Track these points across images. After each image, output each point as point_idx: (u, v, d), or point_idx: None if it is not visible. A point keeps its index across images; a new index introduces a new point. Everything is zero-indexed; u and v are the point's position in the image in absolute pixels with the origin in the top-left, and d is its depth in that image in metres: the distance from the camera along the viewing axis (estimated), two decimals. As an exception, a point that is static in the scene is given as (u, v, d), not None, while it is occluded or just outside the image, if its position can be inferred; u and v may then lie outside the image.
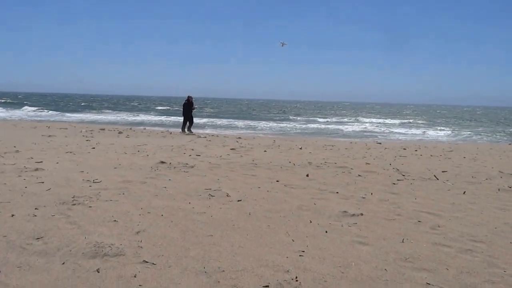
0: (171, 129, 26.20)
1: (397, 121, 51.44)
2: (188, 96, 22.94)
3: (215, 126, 33.65)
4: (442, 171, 10.30)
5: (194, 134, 21.69)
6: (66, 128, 22.16)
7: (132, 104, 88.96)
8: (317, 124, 40.64)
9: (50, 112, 49.69)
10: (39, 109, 54.80)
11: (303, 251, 4.45)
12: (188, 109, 22.73)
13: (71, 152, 11.56)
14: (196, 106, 23.99)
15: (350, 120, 50.92)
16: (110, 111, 57.18)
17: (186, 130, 22.72)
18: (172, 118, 41.43)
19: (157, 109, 68.84)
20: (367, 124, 43.28)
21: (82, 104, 79.08)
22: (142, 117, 45.16)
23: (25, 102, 71.91)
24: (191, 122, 23.10)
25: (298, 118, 51.62)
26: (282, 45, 27.46)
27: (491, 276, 3.98)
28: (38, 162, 9.57)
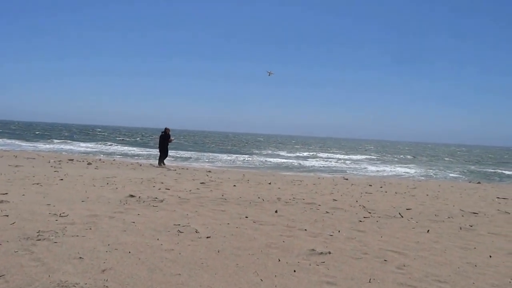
0: (141, 161, 25.98)
1: (363, 157, 52.25)
2: (165, 128, 22.41)
3: (180, 159, 32.93)
4: (407, 209, 10.51)
5: (165, 167, 21.21)
6: (34, 158, 21.72)
7: (97, 133, 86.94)
8: (283, 159, 40.53)
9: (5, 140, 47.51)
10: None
11: (271, 292, 4.46)
12: (164, 141, 22.18)
13: (38, 184, 11.34)
14: (173, 138, 23.44)
15: (317, 155, 51.30)
16: (73, 141, 54.49)
17: (162, 163, 22.02)
18: (135, 149, 41.02)
19: (120, 139, 67.61)
20: (333, 160, 43.72)
21: (37, 133, 75.58)
22: (109, 148, 44.55)
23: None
24: (165, 155, 22.58)
25: (264, 152, 51.64)
26: (269, 74, 27.41)
27: (455, 318, 4.06)
28: (3, 194, 9.36)
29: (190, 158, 34.05)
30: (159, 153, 22.79)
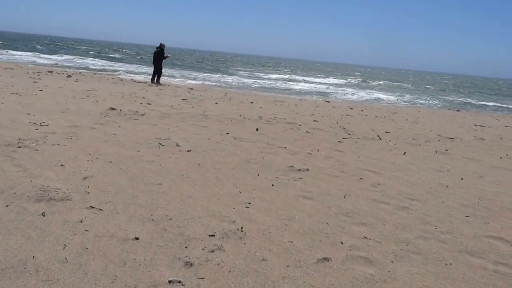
0: (122, 76, 25.59)
1: (345, 81, 52.16)
2: (160, 44, 20.61)
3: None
4: (385, 132, 10.69)
5: (163, 86, 19.55)
6: (12, 69, 21.20)
7: (69, 46, 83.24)
8: (265, 80, 39.94)
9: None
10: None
11: (250, 203, 4.60)
12: (159, 57, 20.42)
13: (17, 93, 11.16)
14: (169, 55, 21.75)
15: (298, 78, 50.86)
16: (41, 54, 50.92)
17: (155, 81, 20.45)
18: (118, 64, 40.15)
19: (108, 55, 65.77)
20: (315, 83, 43.54)
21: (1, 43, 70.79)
22: (90, 61, 43.53)
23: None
24: (160, 73, 20.85)
25: (244, 73, 50.60)
26: None
27: (424, 232, 4.26)
28: (-20, 102, 9.21)
29: (170, 75, 33.47)
30: (153, 70, 20.97)
